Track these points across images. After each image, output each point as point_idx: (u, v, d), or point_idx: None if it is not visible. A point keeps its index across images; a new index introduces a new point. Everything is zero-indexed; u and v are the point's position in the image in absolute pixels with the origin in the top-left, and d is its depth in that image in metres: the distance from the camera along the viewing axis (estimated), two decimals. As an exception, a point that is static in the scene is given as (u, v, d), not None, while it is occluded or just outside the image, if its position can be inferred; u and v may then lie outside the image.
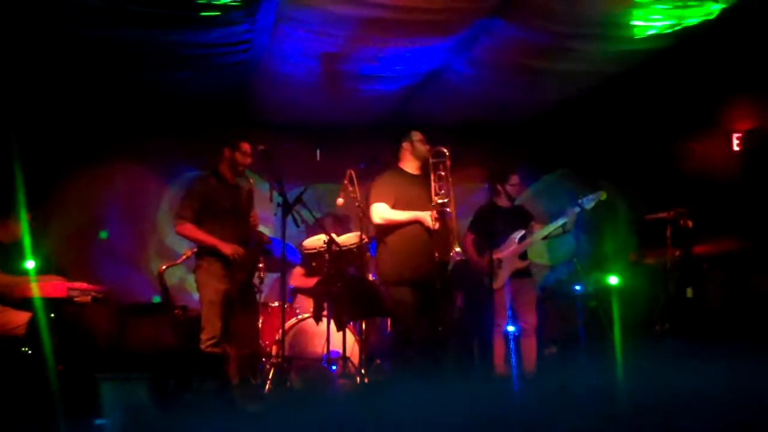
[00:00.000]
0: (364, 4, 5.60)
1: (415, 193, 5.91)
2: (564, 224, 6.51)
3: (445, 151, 5.82)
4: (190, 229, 5.66)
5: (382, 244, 5.97)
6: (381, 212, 5.92)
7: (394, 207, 5.91)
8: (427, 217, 5.74)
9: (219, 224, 5.70)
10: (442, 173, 5.78)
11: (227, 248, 5.64)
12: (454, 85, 7.40)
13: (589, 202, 6.50)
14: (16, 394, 4.90)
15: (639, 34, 6.13)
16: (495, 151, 8.65)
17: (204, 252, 5.70)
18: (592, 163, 9.25)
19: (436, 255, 5.61)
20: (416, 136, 6.09)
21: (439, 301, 5.69)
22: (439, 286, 5.63)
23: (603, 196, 6.53)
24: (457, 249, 5.67)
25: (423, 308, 5.76)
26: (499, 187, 6.32)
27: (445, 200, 5.76)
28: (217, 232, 5.68)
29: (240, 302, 5.83)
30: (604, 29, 6.14)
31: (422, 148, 6.04)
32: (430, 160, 5.84)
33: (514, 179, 6.71)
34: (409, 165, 6.10)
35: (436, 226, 5.68)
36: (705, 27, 6.09)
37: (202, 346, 5.54)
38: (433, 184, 5.75)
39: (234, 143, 5.85)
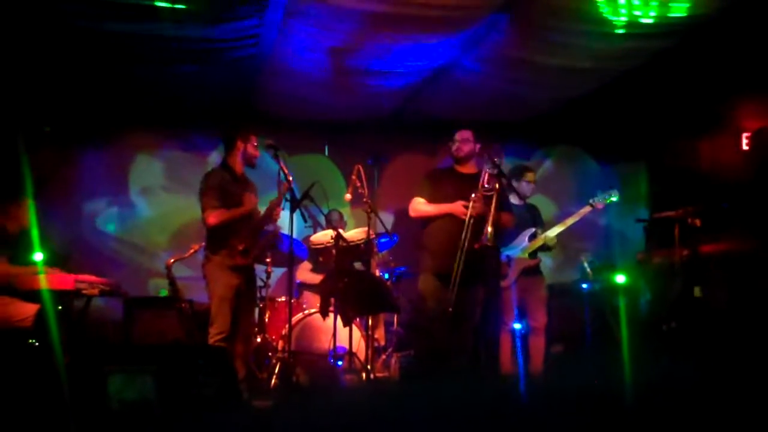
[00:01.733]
0: (373, -1, 5.61)
1: (459, 190, 5.86)
2: (544, 244, 6.52)
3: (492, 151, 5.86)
4: (221, 213, 5.69)
5: (421, 239, 6.01)
6: (413, 206, 5.99)
7: (432, 202, 5.92)
8: (458, 207, 5.74)
9: None
10: (493, 170, 5.80)
11: (268, 208, 5.78)
12: (462, 81, 7.39)
13: (599, 202, 6.50)
14: (23, 385, 4.90)
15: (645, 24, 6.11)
16: (510, 148, 8.69)
17: (214, 246, 5.72)
18: (602, 161, 9.30)
19: (467, 246, 5.60)
20: (455, 135, 6.05)
21: (463, 294, 5.65)
22: (464, 277, 5.59)
23: (615, 195, 6.53)
24: (489, 230, 5.61)
25: (445, 300, 5.73)
26: (513, 184, 6.30)
27: (490, 193, 5.73)
28: (229, 225, 5.70)
29: (247, 297, 5.84)
30: (613, 26, 6.12)
31: (452, 147, 6.02)
32: (476, 157, 5.87)
33: (530, 176, 6.70)
34: (457, 164, 6.07)
35: (468, 214, 5.66)
36: (716, 24, 6.08)
37: (211, 340, 5.57)
38: (483, 177, 5.77)
39: (246, 135, 5.88)
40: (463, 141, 5.98)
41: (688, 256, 7.16)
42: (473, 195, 5.71)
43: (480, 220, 5.68)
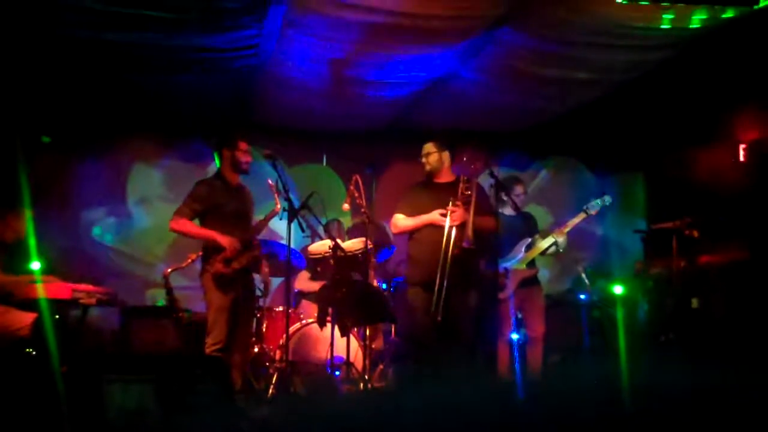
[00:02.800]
0: (371, 10, 5.61)
1: (437, 200, 5.89)
2: (555, 242, 6.51)
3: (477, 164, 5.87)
4: (184, 223, 5.70)
5: (408, 252, 6.06)
6: (394, 223, 6.06)
7: (410, 215, 5.96)
8: (435, 216, 5.77)
9: (224, 226, 5.71)
10: (470, 179, 5.82)
11: (224, 240, 5.64)
12: (461, 91, 7.41)
13: (593, 208, 6.51)
14: (20, 395, 4.89)
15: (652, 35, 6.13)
16: (505, 159, 8.70)
17: (210, 256, 5.71)
18: (599, 171, 9.30)
19: (454, 252, 5.62)
20: (423, 149, 6.07)
21: (452, 302, 5.66)
22: (446, 284, 5.60)
23: (608, 201, 6.55)
24: (469, 233, 5.63)
25: (434, 310, 5.74)
26: (504, 197, 6.31)
27: (469, 200, 5.75)
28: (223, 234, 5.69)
29: (244, 307, 5.83)
30: (611, 38, 6.14)
31: (423, 161, 6.05)
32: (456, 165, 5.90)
33: (519, 189, 6.70)
34: (432, 176, 6.09)
35: (448, 221, 5.69)
36: (713, 36, 6.10)
37: (207, 350, 5.56)
38: (461, 185, 5.80)
39: (232, 143, 5.86)
40: (427, 155, 6.02)
41: (685, 267, 7.16)
42: (451, 205, 5.74)
43: (462, 228, 5.71)
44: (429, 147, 6.04)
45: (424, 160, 6.04)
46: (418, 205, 5.95)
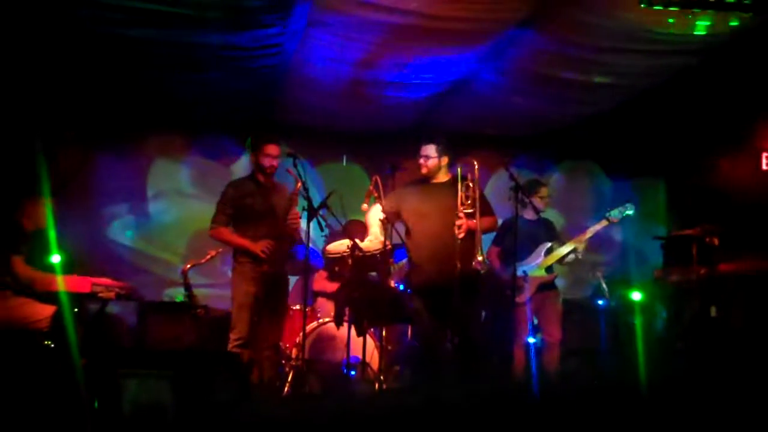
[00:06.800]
0: (395, 11, 5.62)
1: (433, 203, 5.87)
2: (574, 249, 6.49)
3: (475, 162, 5.81)
4: (222, 232, 5.89)
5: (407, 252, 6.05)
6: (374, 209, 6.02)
7: (405, 217, 5.96)
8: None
9: (253, 226, 5.82)
10: (470, 184, 5.76)
11: (256, 247, 5.80)
12: (481, 94, 7.40)
13: (615, 216, 6.49)
14: (38, 387, 4.93)
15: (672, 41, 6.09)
16: (521, 162, 8.67)
17: (238, 254, 5.90)
18: (616, 177, 9.26)
19: (458, 265, 5.58)
20: (422, 150, 6.05)
21: (454, 310, 5.63)
22: (456, 296, 5.58)
23: (630, 209, 6.51)
24: (480, 258, 5.62)
25: (435, 316, 5.75)
26: (527, 200, 6.29)
27: (471, 210, 5.73)
28: (250, 233, 5.78)
29: (269, 304, 5.86)
30: (634, 43, 6.11)
31: (419, 162, 6.03)
32: (459, 170, 5.84)
33: (543, 191, 6.68)
34: (429, 178, 6.08)
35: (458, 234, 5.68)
36: (737, 43, 6.06)
37: (230, 345, 5.72)
38: (460, 194, 5.75)
39: (257, 146, 5.90)
40: (426, 157, 5.97)
41: (705, 275, 7.11)
42: (457, 221, 5.68)
43: (468, 237, 5.67)
44: (429, 150, 5.96)
45: (421, 161, 6.00)
46: (415, 206, 5.93)
